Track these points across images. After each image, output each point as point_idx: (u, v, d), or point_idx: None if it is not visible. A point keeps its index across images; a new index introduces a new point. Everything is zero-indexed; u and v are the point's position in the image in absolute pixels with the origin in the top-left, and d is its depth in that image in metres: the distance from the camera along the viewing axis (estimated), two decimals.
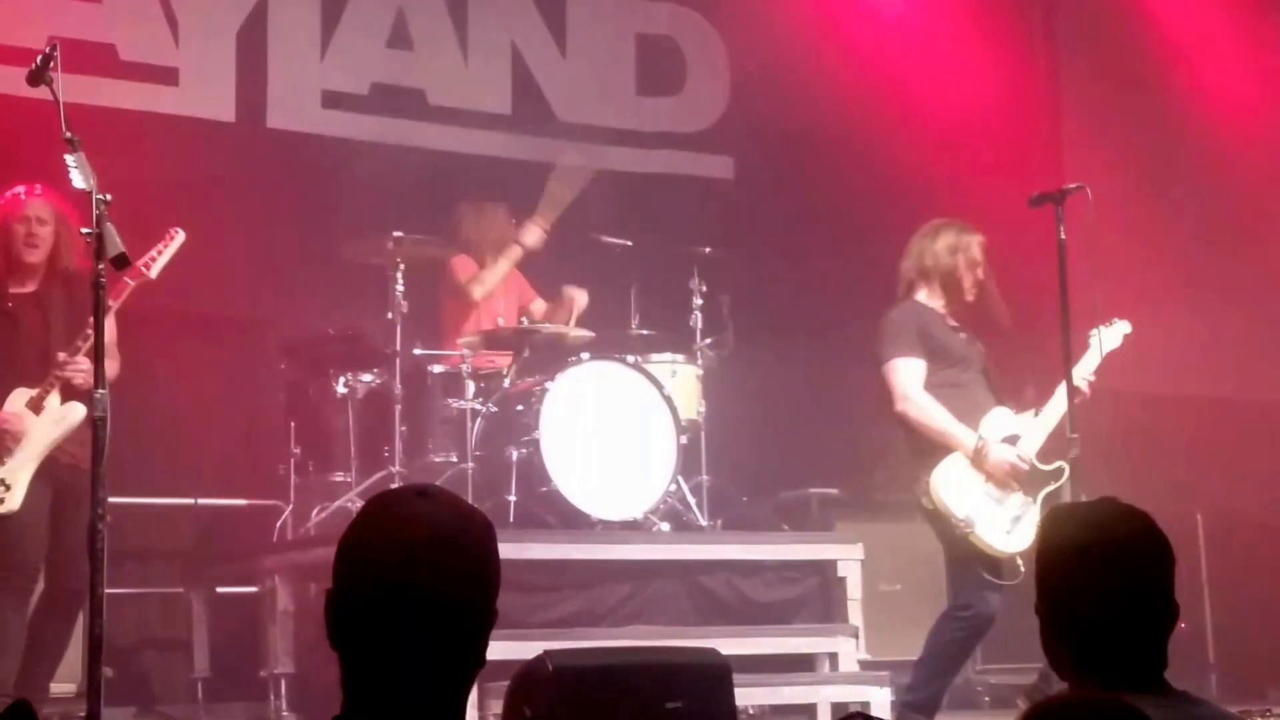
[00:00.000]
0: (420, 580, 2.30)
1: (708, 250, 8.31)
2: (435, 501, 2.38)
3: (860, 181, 9.70)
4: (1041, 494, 6.56)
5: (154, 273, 6.72)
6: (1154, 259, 9.79)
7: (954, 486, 6.51)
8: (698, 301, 8.25)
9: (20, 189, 6.77)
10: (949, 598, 6.72)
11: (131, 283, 6.57)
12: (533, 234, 8.49)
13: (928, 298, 6.77)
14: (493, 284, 8.33)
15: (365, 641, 2.32)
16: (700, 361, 8.17)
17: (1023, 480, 6.53)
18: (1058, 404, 6.56)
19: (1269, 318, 10.06)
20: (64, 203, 6.60)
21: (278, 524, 7.92)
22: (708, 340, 8.26)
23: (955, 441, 6.53)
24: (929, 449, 6.57)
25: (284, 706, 7.44)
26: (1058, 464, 6.53)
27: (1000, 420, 6.64)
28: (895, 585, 8.16)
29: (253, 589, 7.82)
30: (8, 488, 6.52)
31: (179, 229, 6.81)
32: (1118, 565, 2.80)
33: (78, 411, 6.51)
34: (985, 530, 6.47)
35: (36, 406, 6.56)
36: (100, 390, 5.02)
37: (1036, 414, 6.64)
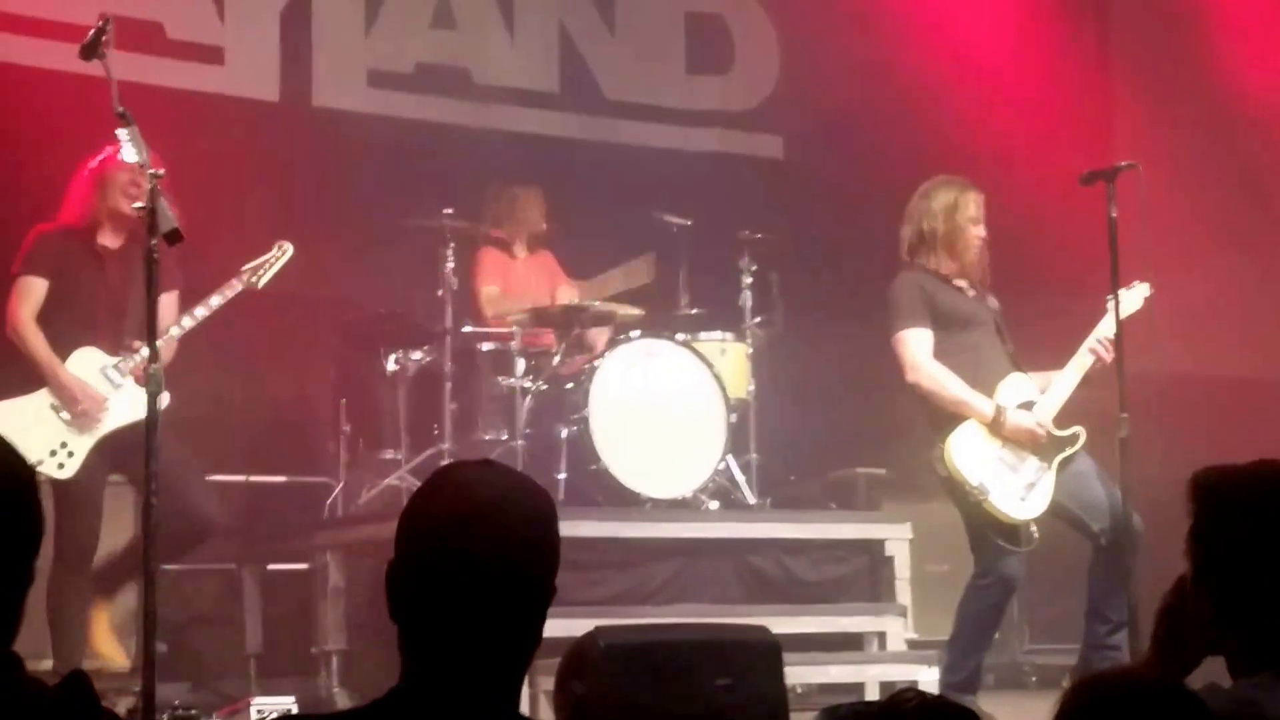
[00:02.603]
0: (483, 553, 2.30)
1: (757, 232, 8.27)
2: (499, 475, 2.38)
3: (909, 159, 9.63)
4: (1056, 460, 6.47)
5: (261, 284, 6.86)
6: (1206, 237, 9.71)
7: (968, 454, 6.43)
8: (747, 280, 8.22)
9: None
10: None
11: (239, 287, 6.74)
12: (567, 294, 8.40)
13: (929, 261, 6.64)
14: (503, 309, 8.22)
15: (426, 614, 2.32)
16: (750, 340, 8.15)
17: (1040, 447, 6.47)
18: (1073, 369, 6.50)
19: None
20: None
21: (328, 501, 7.96)
22: (757, 319, 8.23)
23: (971, 409, 6.44)
24: (945, 418, 6.49)
25: (335, 683, 7.47)
26: (1074, 429, 6.46)
27: (1016, 386, 6.55)
28: (943, 566, 8.11)
29: (304, 566, 7.86)
30: (70, 454, 6.53)
31: (288, 243, 6.96)
32: None
33: (160, 401, 6.54)
34: (999, 498, 6.39)
35: (113, 377, 6.59)
36: (155, 365, 5.05)
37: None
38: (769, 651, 4.62)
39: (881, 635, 7.47)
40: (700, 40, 10.15)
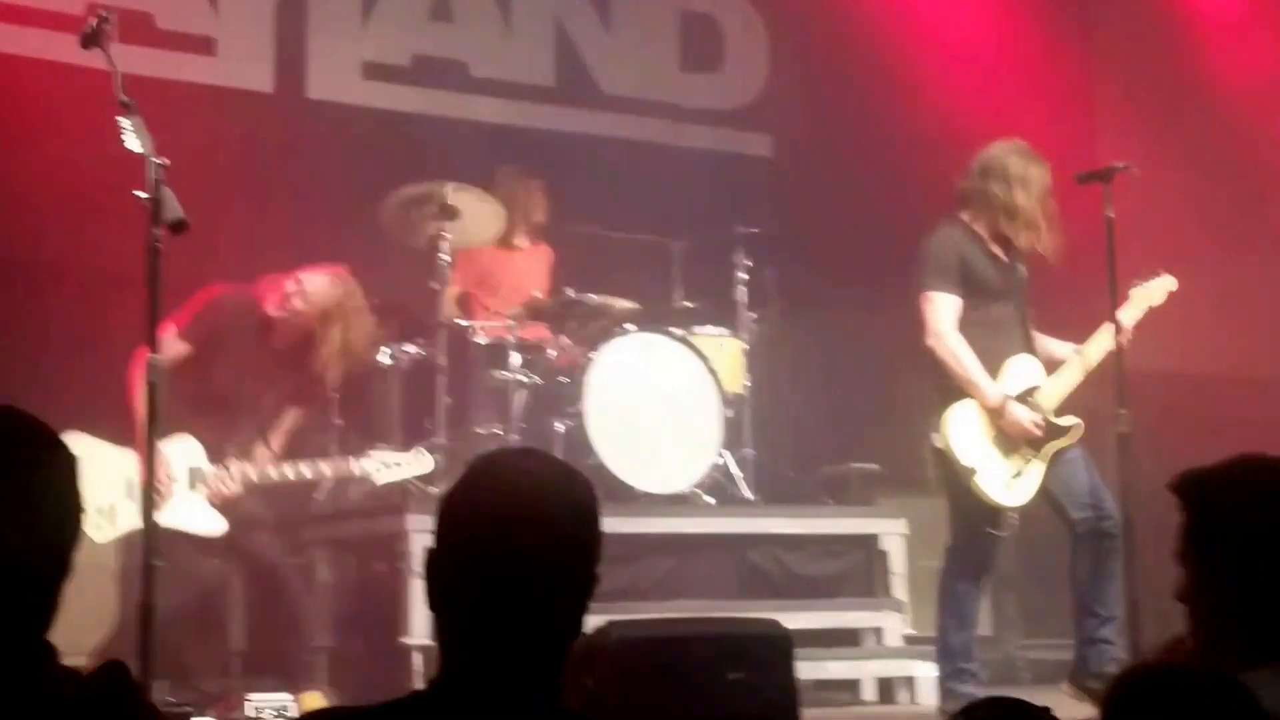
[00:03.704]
0: (524, 544, 2.27)
1: (753, 228, 8.26)
2: (540, 463, 2.36)
3: (898, 159, 9.66)
4: (1050, 449, 6.40)
5: (381, 483, 6.87)
6: (1195, 238, 9.73)
7: (964, 431, 6.37)
8: (742, 276, 8.21)
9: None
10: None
11: (343, 475, 6.87)
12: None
13: (973, 220, 6.51)
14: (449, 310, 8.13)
15: (466, 605, 2.28)
16: (745, 335, 8.13)
17: (1034, 442, 6.43)
18: (1092, 351, 6.44)
19: None
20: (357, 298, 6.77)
21: (318, 495, 7.89)
22: (753, 314, 8.22)
23: (978, 391, 6.35)
24: (952, 390, 6.41)
25: (324, 681, 7.40)
26: (1072, 422, 6.41)
27: (1023, 369, 6.46)
28: (938, 561, 8.08)
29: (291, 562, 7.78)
30: (112, 522, 6.37)
31: (427, 459, 6.96)
32: None
33: (212, 527, 6.58)
34: (987, 481, 6.33)
35: (191, 482, 6.53)
36: (154, 355, 5.01)
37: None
38: (781, 645, 4.62)
39: (878, 631, 7.49)
40: (693, 38, 10.14)
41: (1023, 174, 6.48)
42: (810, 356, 9.02)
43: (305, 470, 6.71)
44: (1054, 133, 9.89)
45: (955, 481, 6.41)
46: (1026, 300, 6.62)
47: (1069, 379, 6.47)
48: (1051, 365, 6.52)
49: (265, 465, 6.62)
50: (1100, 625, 6.34)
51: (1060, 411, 6.43)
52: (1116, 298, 6.31)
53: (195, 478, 6.57)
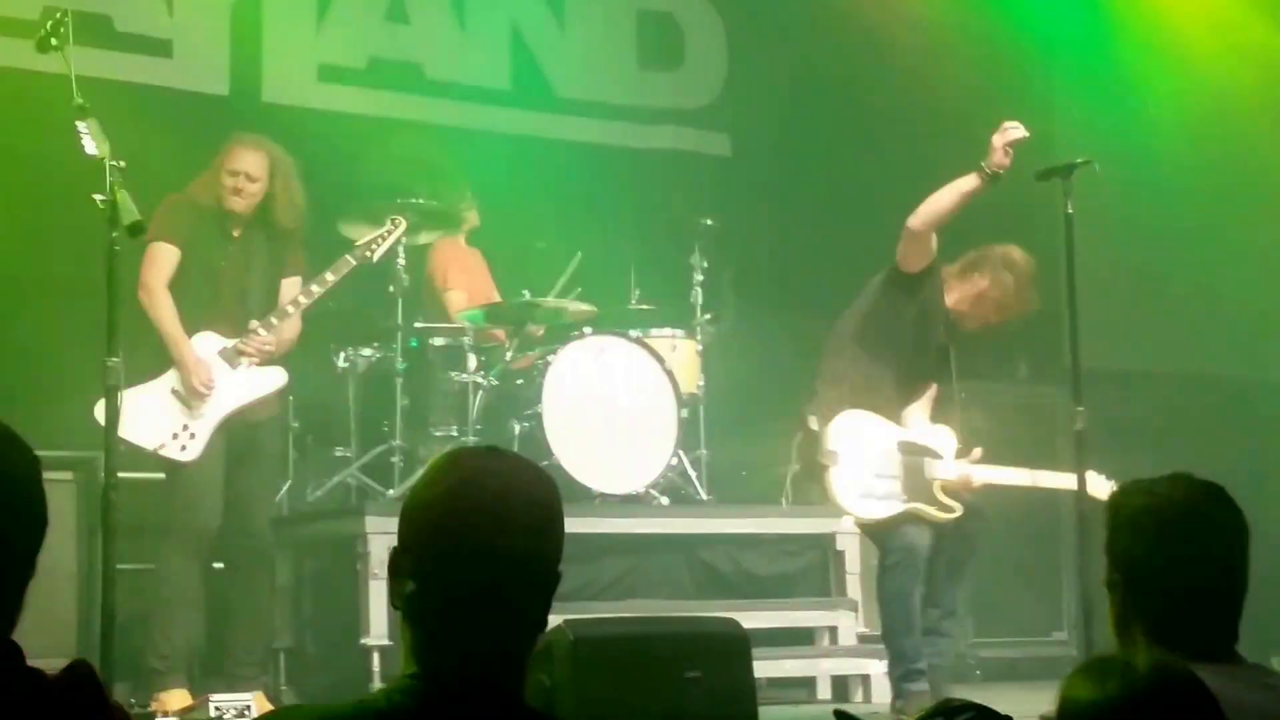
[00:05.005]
0: (490, 541, 2.28)
1: (708, 223, 8.30)
2: (504, 459, 2.37)
3: (856, 158, 9.70)
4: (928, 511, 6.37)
5: (376, 258, 7.02)
6: (1152, 235, 9.82)
7: (849, 428, 6.39)
8: (698, 277, 8.25)
9: (241, 137, 6.88)
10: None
11: (354, 262, 6.86)
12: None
13: (955, 293, 6.51)
14: (451, 313, 8.22)
15: (431, 603, 2.30)
16: (700, 336, 8.18)
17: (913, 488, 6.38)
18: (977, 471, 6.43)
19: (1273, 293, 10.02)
20: (284, 155, 6.82)
21: (276, 498, 7.89)
22: (708, 315, 8.26)
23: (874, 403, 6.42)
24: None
25: (282, 681, 7.43)
26: (954, 514, 6.36)
27: (939, 432, 6.51)
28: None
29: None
30: (192, 436, 6.52)
31: (402, 218, 7.20)
32: (1197, 537, 2.82)
33: (277, 379, 6.73)
34: (840, 481, 6.33)
35: (231, 359, 6.62)
36: (113, 359, 5.02)
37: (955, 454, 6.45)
38: (737, 643, 4.65)
39: (833, 630, 7.53)
40: (652, 38, 10.16)
41: (1014, 285, 6.47)
42: (765, 357, 9.05)
43: (314, 288, 6.78)
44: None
45: (814, 467, 6.46)
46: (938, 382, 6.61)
47: (990, 476, 6.47)
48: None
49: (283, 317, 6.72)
50: (942, 617, 6.45)
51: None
52: (1075, 291, 6.28)
53: (229, 356, 6.64)
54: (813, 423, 6.46)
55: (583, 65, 9.91)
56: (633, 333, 7.82)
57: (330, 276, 6.81)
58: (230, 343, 6.64)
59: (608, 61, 10.03)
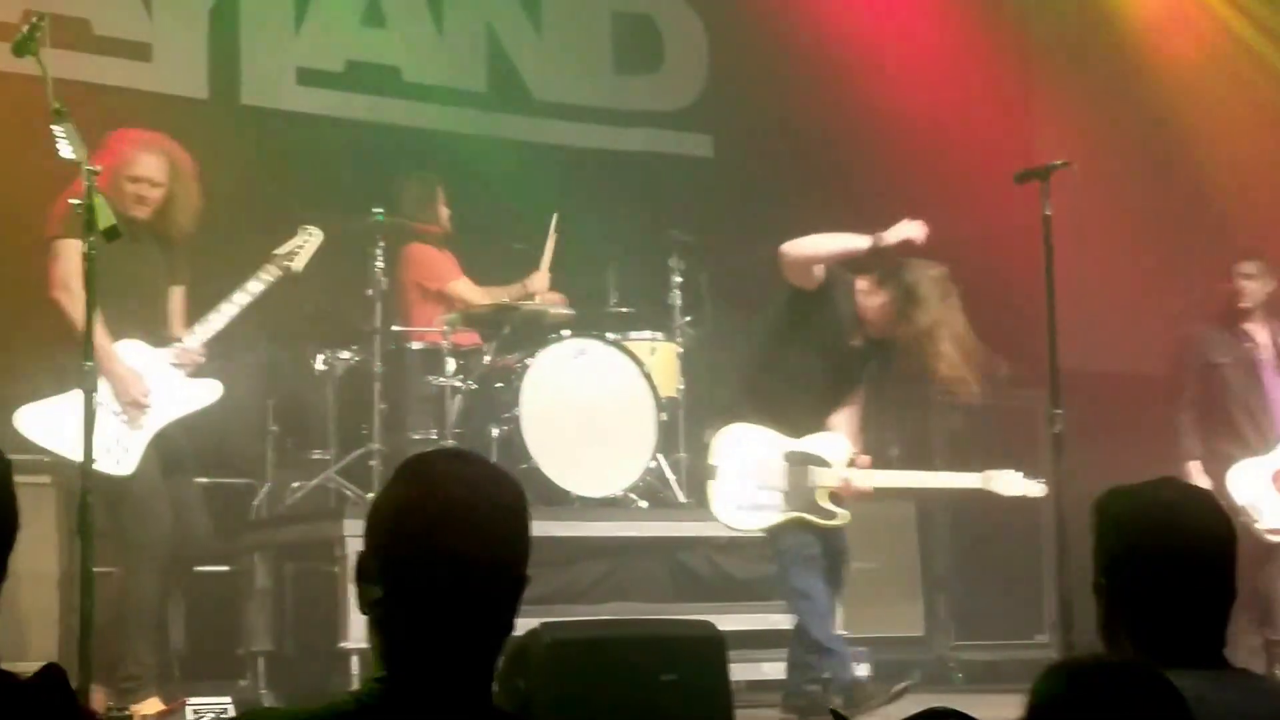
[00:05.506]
0: (456, 545, 2.29)
1: (687, 232, 8.31)
2: (470, 464, 2.38)
3: (838, 159, 9.72)
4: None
5: (297, 266, 6.76)
6: (1130, 238, 9.83)
7: (746, 439, 6.47)
8: (677, 279, 8.25)
9: (135, 137, 6.57)
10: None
11: (277, 272, 6.66)
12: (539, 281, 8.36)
13: (862, 300, 6.52)
14: (473, 298, 8.24)
15: (399, 605, 2.30)
16: (679, 339, 8.18)
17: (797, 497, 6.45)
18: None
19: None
20: (182, 154, 6.57)
21: (255, 501, 7.90)
22: (687, 318, 8.27)
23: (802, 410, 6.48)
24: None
25: (261, 684, 7.42)
26: (842, 522, 6.48)
27: (833, 441, 6.54)
28: (871, 563, 8.16)
29: (228, 568, 7.78)
30: (126, 449, 6.29)
31: (315, 228, 6.88)
32: (1185, 544, 2.81)
33: (214, 392, 6.51)
34: (720, 490, 6.43)
35: (163, 370, 6.41)
36: (89, 362, 5.01)
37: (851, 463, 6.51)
38: (714, 646, 4.65)
39: None
40: (629, 40, 10.16)
41: (939, 318, 6.38)
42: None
43: (239, 298, 6.56)
44: (994, 135, 10.02)
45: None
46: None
47: (876, 480, 6.57)
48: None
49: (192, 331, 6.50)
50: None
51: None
52: (1054, 293, 6.27)
53: (160, 367, 6.42)
54: (706, 436, 6.51)
55: (559, 68, 9.91)
56: (611, 336, 7.82)
57: (254, 286, 6.58)
58: (159, 352, 6.43)
59: (584, 64, 10.04)
